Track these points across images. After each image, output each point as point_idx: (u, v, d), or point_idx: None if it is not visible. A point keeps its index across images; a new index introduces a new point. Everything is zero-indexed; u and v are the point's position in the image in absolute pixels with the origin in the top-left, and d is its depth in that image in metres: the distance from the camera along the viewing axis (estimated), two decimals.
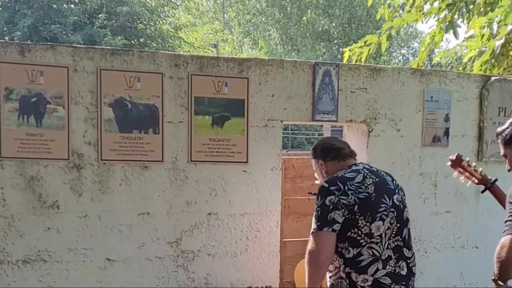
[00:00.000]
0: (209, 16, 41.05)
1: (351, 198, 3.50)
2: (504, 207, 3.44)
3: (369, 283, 3.53)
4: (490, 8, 6.91)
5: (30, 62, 3.73)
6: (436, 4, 7.25)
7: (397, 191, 3.72)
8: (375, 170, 3.76)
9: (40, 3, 20.69)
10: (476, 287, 5.02)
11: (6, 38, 19.12)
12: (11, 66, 3.69)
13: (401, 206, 3.68)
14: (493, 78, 4.98)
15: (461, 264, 4.96)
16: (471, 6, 6.87)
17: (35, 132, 3.75)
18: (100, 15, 21.05)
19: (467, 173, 3.93)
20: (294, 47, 40.42)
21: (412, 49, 44.56)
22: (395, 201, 3.64)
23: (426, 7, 7.54)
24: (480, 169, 3.90)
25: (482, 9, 7.08)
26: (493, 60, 6.68)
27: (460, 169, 3.95)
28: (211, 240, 4.16)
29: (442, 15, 7.06)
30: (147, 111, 3.96)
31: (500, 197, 3.81)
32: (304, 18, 40.28)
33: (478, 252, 5.02)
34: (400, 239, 3.64)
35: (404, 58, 44.50)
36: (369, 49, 7.69)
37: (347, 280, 3.53)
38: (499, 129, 3.34)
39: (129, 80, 3.91)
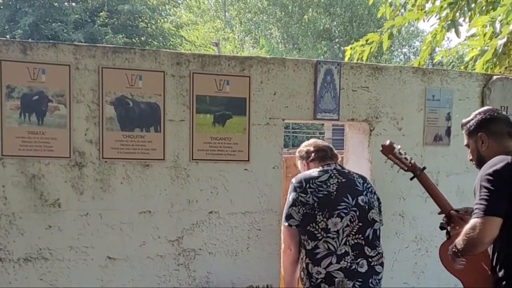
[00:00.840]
0: (211, 14, 41.07)
1: (309, 197, 3.88)
2: (431, 195, 3.96)
3: (322, 275, 3.85)
4: (492, 6, 6.90)
5: (32, 60, 3.72)
6: (437, 2, 7.26)
7: (365, 193, 4.00)
8: (346, 171, 4.08)
9: (41, 2, 20.68)
10: None
11: (8, 36, 19.11)
12: (13, 64, 3.69)
13: (366, 207, 3.95)
14: (495, 77, 4.98)
15: None
16: (473, 5, 6.87)
17: (36, 130, 3.75)
18: (101, 14, 21.04)
19: (397, 160, 4.03)
20: (296, 45, 40.43)
21: (413, 48, 44.59)
22: (359, 201, 3.93)
23: (428, 5, 7.53)
24: (410, 157, 4.02)
25: (484, 8, 7.08)
26: (495, 59, 6.68)
27: (390, 155, 4.05)
28: (212, 238, 4.16)
29: (443, 13, 7.06)
30: (148, 110, 3.96)
31: (428, 185, 4.00)
32: (305, 16, 40.27)
33: None
34: (362, 238, 3.94)
35: (406, 57, 44.55)
36: (371, 48, 7.69)
37: (305, 270, 3.89)
38: (464, 120, 3.58)
39: (131, 78, 3.91)
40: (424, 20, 7.44)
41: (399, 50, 45.55)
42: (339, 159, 4.33)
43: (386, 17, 8.14)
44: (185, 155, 4.06)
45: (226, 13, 42.44)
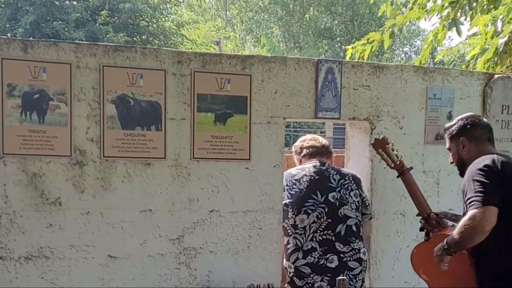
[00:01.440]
0: (212, 13, 41.06)
1: (285, 194, 4.28)
2: (411, 196, 4.12)
3: (292, 270, 4.18)
4: (493, 5, 6.89)
5: (33, 58, 3.72)
6: (439, 1, 7.25)
7: (338, 189, 4.23)
8: (324, 168, 4.35)
9: (42, 0, 20.72)
10: None
11: (9, 34, 19.12)
12: (14, 63, 3.68)
13: (337, 203, 4.18)
14: (496, 76, 4.97)
15: None
16: (474, 4, 6.87)
17: (37, 129, 3.75)
18: (102, 12, 21.06)
19: (385, 156, 4.16)
20: (297, 44, 40.42)
21: (414, 47, 44.56)
22: (329, 198, 4.17)
23: (429, 4, 7.53)
24: (400, 156, 4.17)
25: (485, 7, 7.07)
26: (496, 58, 6.67)
27: (381, 150, 4.19)
28: (213, 237, 4.16)
29: (445, 12, 7.06)
30: (149, 108, 3.95)
31: (411, 186, 4.14)
32: (306, 15, 40.25)
33: None
34: (332, 234, 4.17)
35: (407, 56, 44.49)
36: (372, 47, 7.69)
37: (284, 265, 4.28)
38: (447, 125, 3.82)
39: (132, 77, 3.91)
40: (425, 19, 7.44)
41: (400, 49, 45.52)
42: (333, 156, 4.65)
43: (387, 16, 8.14)
44: (186, 154, 4.06)
45: (227, 12, 42.45)
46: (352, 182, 4.34)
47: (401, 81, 4.64)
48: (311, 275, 4.13)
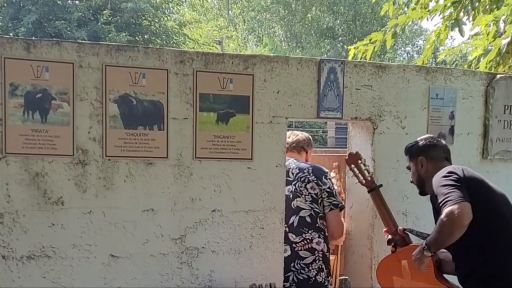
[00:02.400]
0: (214, 12, 41.02)
1: None
2: (380, 213, 4.31)
3: None
4: (495, 5, 6.88)
5: (36, 58, 3.73)
6: (441, 1, 7.24)
7: (294, 182, 4.49)
8: (286, 163, 4.49)
9: (44, 0, 20.70)
10: None
11: (11, 34, 19.15)
12: (16, 62, 3.69)
13: (291, 195, 4.43)
14: (498, 76, 4.97)
15: None
16: (477, 4, 6.85)
17: (40, 128, 3.75)
18: (104, 12, 21.06)
19: (357, 171, 4.33)
20: (299, 44, 40.41)
21: (417, 46, 44.53)
22: (286, 191, 4.37)
23: (432, 4, 7.51)
24: (371, 172, 4.41)
25: (487, 7, 7.06)
26: (498, 58, 6.67)
27: (353, 165, 4.37)
28: (215, 237, 4.16)
29: (447, 12, 7.04)
30: (152, 108, 3.96)
31: (380, 203, 4.31)
32: (308, 15, 40.24)
33: None
34: (286, 225, 4.40)
35: (409, 55, 44.46)
36: (374, 47, 7.67)
37: None
38: (408, 145, 4.02)
39: (134, 77, 3.91)
40: (427, 19, 7.42)
41: (402, 48, 45.50)
42: (308, 151, 4.88)
43: (389, 15, 8.12)
44: (188, 153, 4.06)
45: (230, 12, 42.41)
46: (311, 174, 4.50)
47: (403, 81, 4.64)
48: None
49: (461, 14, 6.85)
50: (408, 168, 4.03)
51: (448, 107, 4.79)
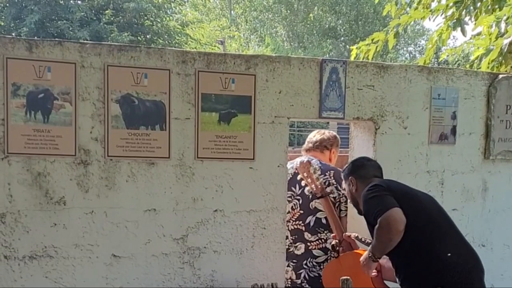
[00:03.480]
0: (216, 12, 41.04)
1: None
2: (330, 218, 4.46)
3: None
4: (497, 5, 6.88)
5: (38, 58, 3.73)
6: (443, 1, 7.23)
7: None
8: (317, 167, 4.63)
9: (47, 0, 20.71)
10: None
11: (13, 34, 19.13)
12: (18, 62, 3.69)
13: (310, 196, 4.52)
14: (500, 76, 4.97)
15: None
16: (479, 4, 6.85)
17: (42, 128, 3.75)
18: (106, 11, 21.05)
19: (309, 179, 4.48)
20: (301, 44, 40.42)
21: (419, 46, 44.56)
22: (305, 191, 4.52)
23: (434, 4, 7.51)
24: (321, 180, 4.55)
25: (489, 7, 7.06)
26: (500, 58, 6.66)
27: (305, 174, 4.52)
28: (217, 237, 4.17)
29: (449, 12, 7.04)
30: (154, 108, 3.96)
31: (330, 209, 4.48)
32: (311, 15, 40.26)
33: (485, 250, 5.00)
34: (302, 224, 4.58)
35: (411, 55, 44.46)
36: (376, 47, 7.67)
37: None
38: (344, 167, 4.15)
39: (136, 77, 3.91)
40: (429, 19, 7.41)
41: (404, 48, 45.52)
42: (332, 150, 4.95)
43: (392, 15, 8.13)
44: (190, 153, 4.07)
45: (232, 11, 42.40)
46: (332, 178, 4.61)
47: (405, 81, 4.64)
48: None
49: (463, 14, 6.85)
50: (344, 189, 4.23)
51: (450, 107, 4.78)
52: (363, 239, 4.20)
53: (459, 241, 3.69)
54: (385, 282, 4.05)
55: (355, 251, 4.23)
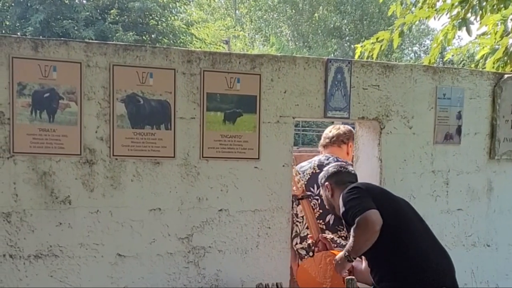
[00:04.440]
0: (221, 12, 41.11)
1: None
2: (308, 219, 4.59)
3: (294, 252, 4.70)
4: (503, 5, 6.87)
5: (43, 57, 3.73)
6: (448, 0, 7.22)
7: None
8: (327, 162, 4.73)
9: None
10: (487, 286, 5.01)
11: (19, 33, 19.21)
12: (24, 61, 3.69)
13: None
14: (506, 76, 4.95)
15: (472, 262, 4.95)
16: (484, 3, 6.84)
17: (47, 128, 3.76)
18: (112, 11, 21.13)
19: (291, 182, 4.50)
20: (306, 43, 40.43)
21: (424, 46, 44.51)
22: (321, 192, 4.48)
23: (439, 3, 7.50)
24: (302, 182, 4.68)
25: (495, 6, 7.04)
26: (505, 58, 6.65)
27: None
28: (222, 236, 4.17)
29: (454, 12, 7.02)
30: (159, 107, 3.96)
31: (309, 210, 4.62)
32: (316, 14, 40.29)
33: (490, 250, 5.00)
34: (323, 223, 4.62)
35: (416, 55, 44.41)
36: (381, 46, 7.66)
37: None
38: (321, 174, 4.39)
39: (142, 76, 3.91)
40: (435, 18, 7.39)
41: (409, 48, 45.48)
42: (349, 143, 5.06)
43: (397, 15, 8.11)
44: (195, 153, 4.07)
45: (237, 11, 42.47)
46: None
47: (410, 81, 4.63)
48: (305, 257, 4.60)
49: (469, 13, 6.84)
50: (321, 195, 4.46)
51: (455, 107, 4.77)
52: (338, 241, 4.38)
53: (433, 243, 3.83)
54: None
55: (330, 251, 4.33)
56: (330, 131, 5.02)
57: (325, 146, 5.03)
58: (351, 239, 3.70)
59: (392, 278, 3.62)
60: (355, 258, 3.86)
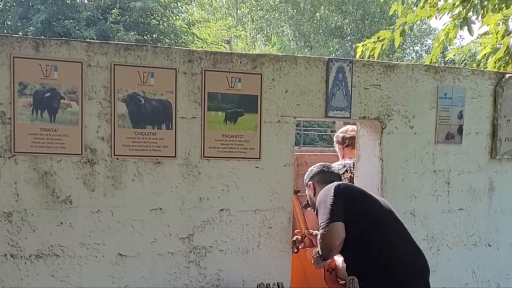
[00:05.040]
0: (222, 12, 41.13)
1: None
2: (296, 214, 4.84)
3: None
4: (504, 4, 6.86)
5: (44, 57, 3.73)
6: (450, 0, 7.21)
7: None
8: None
9: None
10: (488, 285, 5.01)
11: (20, 33, 19.23)
12: (25, 61, 3.69)
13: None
14: (507, 75, 4.95)
15: (474, 262, 4.94)
16: (486, 3, 6.83)
17: (48, 127, 3.76)
18: (113, 11, 21.14)
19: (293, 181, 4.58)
20: (307, 43, 40.43)
21: (425, 46, 44.49)
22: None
23: (440, 3, 7.49)
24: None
25: (496, 6, 7.03)
26: (507, 57, 6.64)
27: None
28: (223, 236, 4.17)
29: (456, 11, 7.01)
30: (160, 107, 3.96)
31: (298, 206, 4.89)
32: (317, 14, 40.29)
33: (491, 250, 5.00)
34: None
35: (418, 55, 44.39)
36: (382, 45, 7.65)
37: None
38: (306, 174, 4.53)
39: (143, 76, 3.91)
40: (436, 18, 7.38)
41: (411, 48, 45.47)
42: None
43: (398, 15, 8.11)
44: (196, 153, 4.07)
45: (238, 11, 42.46)
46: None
47: (412, 80, 4.63)
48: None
49: (470, 13, 6.83)
50: (306, 195, 4.55)
51: (456, 106, 4.77)
52: None
53: (408, 242, 3.95)
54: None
55: (315, 247, 4.37)
56: (346, 132, 5.40)
57: (347, 146, 5.40)
58: (319, 245, 3.93)
59: (361, 278, 3.66)
60: (325, 260, 4.05)
